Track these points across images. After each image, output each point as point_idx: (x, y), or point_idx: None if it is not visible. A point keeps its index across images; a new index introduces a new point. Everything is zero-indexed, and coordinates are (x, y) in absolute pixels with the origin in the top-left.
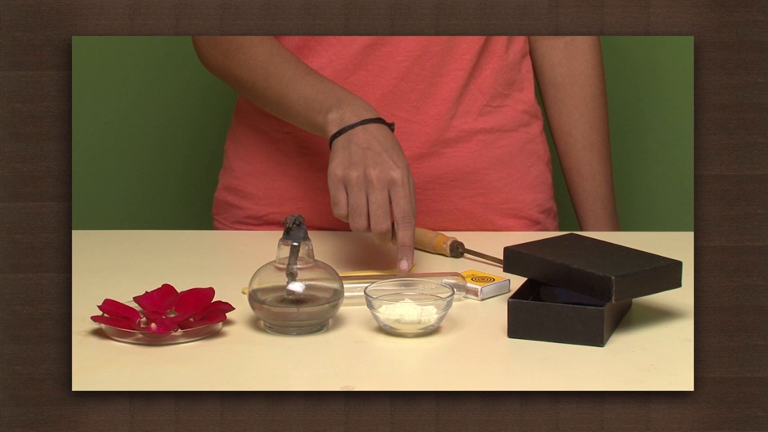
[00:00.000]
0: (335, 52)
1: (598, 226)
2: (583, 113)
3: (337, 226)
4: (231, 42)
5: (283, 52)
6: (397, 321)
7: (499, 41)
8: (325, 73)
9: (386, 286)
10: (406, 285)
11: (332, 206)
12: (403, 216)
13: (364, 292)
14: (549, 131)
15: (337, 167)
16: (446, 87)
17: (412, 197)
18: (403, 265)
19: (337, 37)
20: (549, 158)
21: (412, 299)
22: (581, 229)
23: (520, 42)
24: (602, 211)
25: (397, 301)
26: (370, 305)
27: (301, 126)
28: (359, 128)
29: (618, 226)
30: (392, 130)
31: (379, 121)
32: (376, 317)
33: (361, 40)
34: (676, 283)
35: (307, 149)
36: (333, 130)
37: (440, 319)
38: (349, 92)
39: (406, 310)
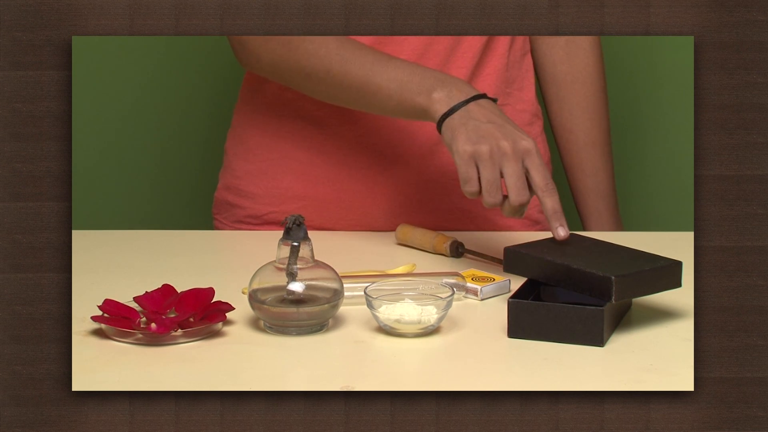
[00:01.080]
0: None
1: (600, 223)
2: (585, 110)
3: (337, 226)
4: (290, 38)
5: (352, 40)
6: (397, 321)
7: (502, 40)
8: None
9: (386, 286)
10: (406, 285)
11: (462, 184)
12: (546, 183)
13: (364, 292)
14: (549, 130)
15: (465, 143)
16: None
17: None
18: (561, 231)
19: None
20: (549, 157)
21: (412, 299)
22: (583, 227)
23: (519, 40)
24: (605, 207)
25: (397, 301)
26: (370, 305)
27: (390, 110)
28: (472, 104)
29: (620, 223)
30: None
31: (486, 96)
32: (376, 317)
33: (362, 40)
34: (676, 283)
35: (308, 149)
36: (442, 109)
37: (440, 319)
38: (444, 72)
39: (406, 310)
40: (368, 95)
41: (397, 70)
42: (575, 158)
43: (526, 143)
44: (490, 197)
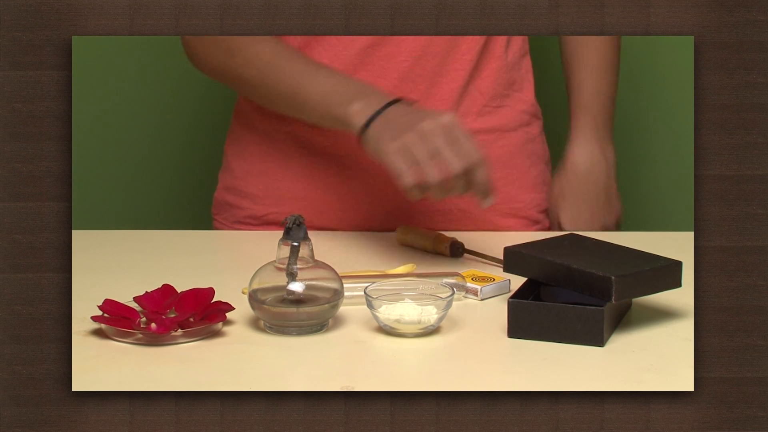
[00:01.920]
0: (336, 52)
1: (583, 131)
2: (596, 53)
3: (337, 227)
4: (233, 40)
5: (289, 48)
6: (397, 321)
7: (499, 42)
8: None
9: (386, 286)
10: (406, 285)
11: (397, 179)
12: (473, 153)
13: (364, 292)
14: (548, 130)
15: (388, 142)
16: (446, 87)
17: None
18: (488, 202)
19: (338, 37)
20: (549, 158)
21: (412, 299)
22: (568, 143)
23: (518, 42)
24: (587, 111)
25: (397, 301)
26: (370, 305)
27: (316, 120)
28: (389, 109)
29: (610, 142)
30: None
31: (402, 100)
32: (376, 317)
33: (361, 41)
34: (676, 283)
35: (307, 149)
36: (360, 121)
37: (440, 319)
38: (366, 83)
39: (406, 310)
40: (298, 105)
41: (322, 82)
42: (573, 57)
43: (447, 117)
44: (430, 174)
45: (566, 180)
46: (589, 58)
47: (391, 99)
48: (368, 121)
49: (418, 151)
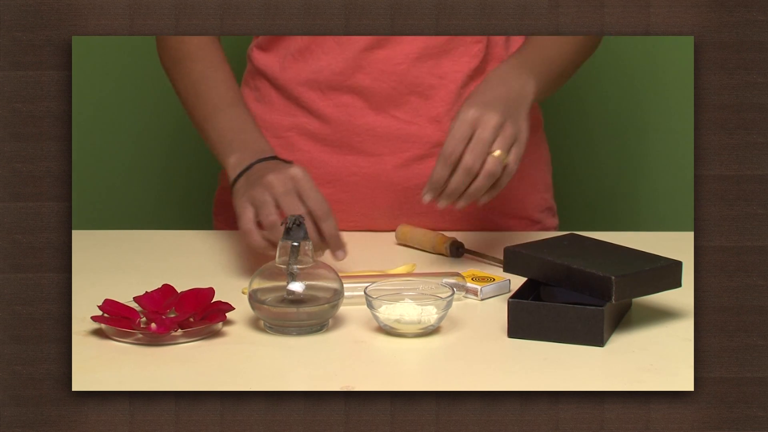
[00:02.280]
0: (334, 55)
1: (508, 61)
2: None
3: (338, 224)
4: (178, 50)
5: (217, 74)
6: (397, 321)
7: (498, 44)
8: (323, 76)
9: (386, 286)
10: (406, 285)
11: (239, 224)
12: (319, 207)
13: (364, 292)
14: (548, 130)
15: (241, 197)
16: (445, 89)
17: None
18: (340, 255)
19: (336, 40)
20: (549, 158)
21: (412, 299)
22: None
23: (518, 43)
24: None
25: (397, 301)
26: (370, 305)
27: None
28: (256, 165)
29: (534, 78)
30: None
31: (275, 158)
32: (376, 317)
33: (358, 44)
34: (676, 283)
35: (307, 150)
36: (232, 176)
37: (440, 319)
38: (258, 135)
39: (406, 310)
40: (203, 136)
41: (221, 122)
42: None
43: (294, 170)
44: (264, 216)
45: (476, 86)
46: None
47: (260, 157)
48: (237, 177)
49: (257, 196)
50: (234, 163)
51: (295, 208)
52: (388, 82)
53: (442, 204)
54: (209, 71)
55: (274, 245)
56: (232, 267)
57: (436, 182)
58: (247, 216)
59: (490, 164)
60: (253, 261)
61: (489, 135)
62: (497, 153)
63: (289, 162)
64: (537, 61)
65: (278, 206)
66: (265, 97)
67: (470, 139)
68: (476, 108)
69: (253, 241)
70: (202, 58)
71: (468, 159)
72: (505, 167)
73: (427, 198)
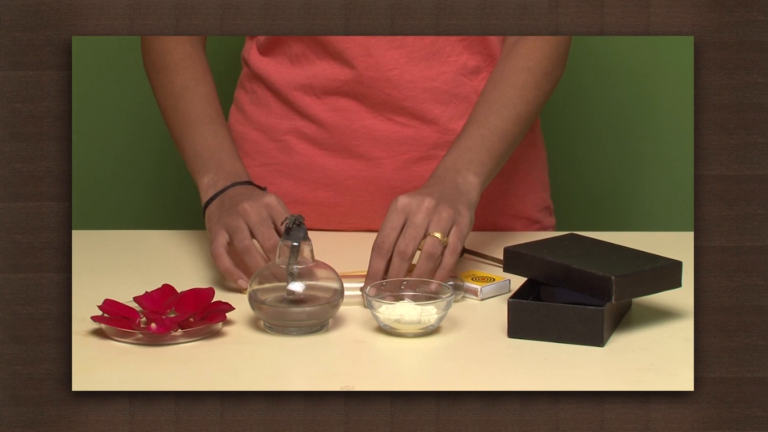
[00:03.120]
0: (328, 61)
1: (451, 151)
2: (500, 87)
3: (337, 227)
4: (162, 59)
5: (198, 88)
6: (397, 321)
7: (494, 44)
8: (318, 81)
9: (386, 286)
10: (406, 285)
11: (210, 247)
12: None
13: (365, 292)
14: (547, 129)
15: (215, 224)
16: (438, 90)
17: None
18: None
19: (329, 48)
20: (546, 158)
21: (412, 299)
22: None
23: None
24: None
25: (397, 301)
26: (370, 305)
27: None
28: (231, 189)
29: (474, 172)
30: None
31: (249, 183)
32: (376, 317)
33: (351, 51)
34: (676, 283)
35: (306, 153)
36: (204, 198)
37: (440, 319)
38: (234, 156)
39: (406, 310)
40: (179, 149)
41: (197, 139)
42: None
43: (269, 198)
44: (237, 241)
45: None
46: (488, 91)
47: (235, 181)
48: (210, 199)
49: (231, 223)
50: (207, 184)
51: (269, 239)
52: (382, 88)
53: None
54: (191, 84)
55: (244, 272)
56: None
57: (373, 275)
58: (218, 240)
59: (427, 245)
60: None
61: (421, 219)
62: (435, 234)
63: (263, 188)
64: (478, 143)
65: (252, 235)
66: (261, 101)
67: (403, 227)
68: (406, 196)
69: (222, 264)
70: (185, 70)
71: (400, 244)
72: (445, 247)
73: (371, 291)
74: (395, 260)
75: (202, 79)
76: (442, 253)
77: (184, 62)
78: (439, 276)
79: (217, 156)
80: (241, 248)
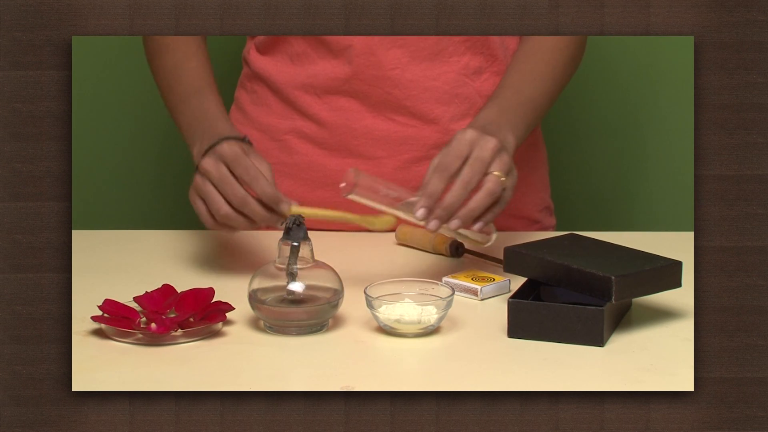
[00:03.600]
0: (329, 60)
1: (486, 111)
2: (530, 60)
3: (337, 227)
4: (155, 42)
5: (187, 64)
6: (397, 321)
7: (495, 44)
8: (319, 81)
9: (386, 286)
10: (406, 285)
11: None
12: (248, 175)
13: (364, 292)
14: (547, 130)
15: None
16: (440, 90)
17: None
18: (283, 207)
19: (331, 47)
20: (546, 157)
21: (412, 299)
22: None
23: (514, 44)
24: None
25: (397, 301)
26: (370, 305)
27: None
28: (218, 146)
29: (512, 132)
30: (246, 141)
31: (231, 138)
32: (376, 317)
33: (353, 50)
34: (676, 283)
35: (306, 152)
36: (198, 162)
37: (440, 319)
38: (220, 119)
39: (406, 310)
40: (177, 126)
41: (187, 111)
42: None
43: (222, 148)
44: (213, 207)
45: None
46: (521, 62)
47: (212, 142)
48: (196, 167)
49: (203, 191)
50: (196, 153)
51: (234, 194)
52: (383, 87)
53: (432, 225)
54: (181, 61)
55: (232, 227)
56: (232, 267)
57: (431, 193)
58: (200, 210)
59: (490, 182)
60: (253, 261)
61: (488, 155)
62: (497, 173)
63: (242, 138)
64: (515, 108)
65: (222, 193)
66: (262, 100)
67: (467, 157)
68: (474, 130)
69: (218, 230)
70: (175, 49)
71: (466, 173)
72: (502, 191)
73: (421, 213)
74: (458, 188)
75: (193, 55)
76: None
77: (174, 42)
78: (489, 217)
79: (204, 123)
80: (220, 219)
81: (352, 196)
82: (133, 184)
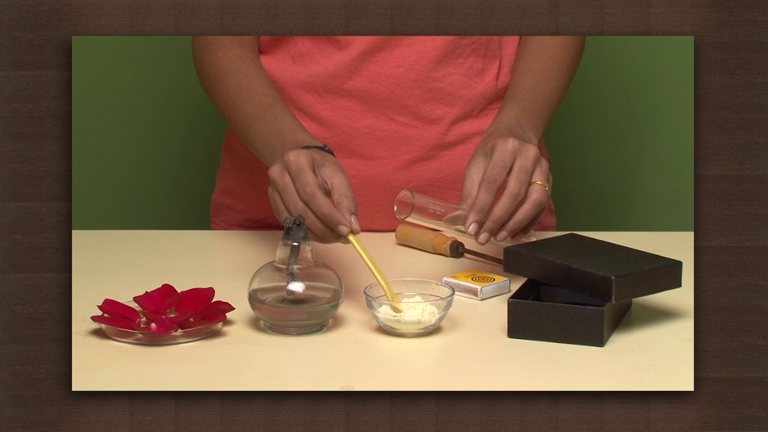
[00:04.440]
0: (332, 59)
1: (507, 113)
2: (541, 58)
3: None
4: (212, 68)
5: (253, 83)
6: (397, 321)
7: (495, 45)
8: (321, 80)
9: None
10: (406, 285)
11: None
12: (304, 192)
13: (364, 292)
14: (547, 130)
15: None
16: (443, 92)
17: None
18: (342, 230)
19: (335, 46)
20: (546, 156)
21: (412, 299)
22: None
23: (512, 44)
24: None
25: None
26: (370, 305)
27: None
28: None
29: (534, 132)
30: (326, 150)
31: (311, 147)
32: (376, 317)
33: (357, 48)
34: (676, 283)
35: None
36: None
37: (440, 319)
38: (295, 129)
39: (406, 310)
40: (250, 146)
41: (262, 128)
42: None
43: (288, 156)
44: (288, 202)
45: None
46: (532, 61)
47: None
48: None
49: (272, 200)
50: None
51: (294, 206)
52: (385, 86)
53: (483, 238)
54: (245, 81)
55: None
56: (232, 267)
57: (482, 208)
58: (281, 217)
59: (536, 192)
60: (253, 261)
61: (530, 165)
62: (539, 182)
63: (322, 147)
64: (533, 108)
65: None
66: None
67: (511, 168)
68: (514, 139)
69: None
70: (237, 71)
71: (513, 186)
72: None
73: (473, 228)
74: (506, 201)
75: (255, 74)
76: None
77: (236, 64)
78: (532, 225)
79: (282, 137)
80: (292, 226)
81: (407, 218)
82: (133, 184)
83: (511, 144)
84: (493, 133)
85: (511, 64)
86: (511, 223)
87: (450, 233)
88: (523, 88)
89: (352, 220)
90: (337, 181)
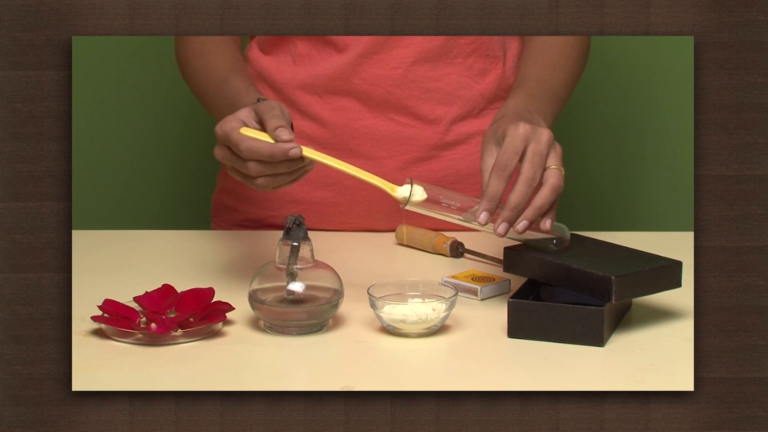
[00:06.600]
0: (331, 60)
1: (515, 99)
2: (546, 52)
3: (337, 226)
4: (182, 57)
5: (214, 61)
6: (402, 321)
7: (496, 45)
8: (320, 80)
9: (389, 286)
10: (408, 285)
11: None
12: (244, 148)
13: (368, 292)
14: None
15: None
16: (442, 91)
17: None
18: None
19: (334, 47)
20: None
21: (415, 299)
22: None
23: (517, 45)
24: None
25: (401, 301)
26: (373, 305)
27: None
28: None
29: (542, 118)
30: (259, 101)
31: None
32: (379, 317)
33: (356, 49)
34: (676, 283)
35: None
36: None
37: (444, 318)
38: (241, 95)
39: (410, 310)
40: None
41: (219, 110)
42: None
43: (220, 127)
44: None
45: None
46: (537, 55)
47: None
48: None
49: (228, 166)
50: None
51: (248, 169)
52: (384, 86)
53: (501, 228)
54: (207, 60)
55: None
56: (232, 267)
57: (493, 196)
58: (255, 185)
59: (553, 176)
60: (253, 261)
61: (544, 149)
62: (554, 166)
63: (259, 100)
64: (540, 96)
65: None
66: None
67: (524, 153)
68: (526, 123)
69: (277, 188)
70: (200, 53)
71: (528, 170)
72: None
73: (483, 217)
74: (521, 186)
75: (217, 53)
76: None
77: (199, 47)
78: (552, 213)
79: (231, 110)
80: (263, 188)
81: (409, 207)
82: (133, 184)
83: (522, 128)
84: (502, 118)
85: (515, 66)
86: (530, 211)
87: (474, 227)
88: (529, 78)
89: (290, 136)
90: (263, 114)
